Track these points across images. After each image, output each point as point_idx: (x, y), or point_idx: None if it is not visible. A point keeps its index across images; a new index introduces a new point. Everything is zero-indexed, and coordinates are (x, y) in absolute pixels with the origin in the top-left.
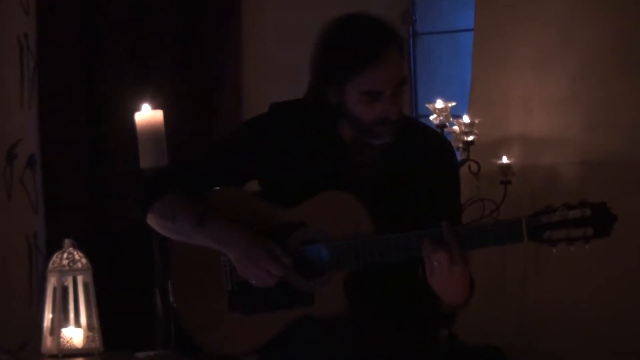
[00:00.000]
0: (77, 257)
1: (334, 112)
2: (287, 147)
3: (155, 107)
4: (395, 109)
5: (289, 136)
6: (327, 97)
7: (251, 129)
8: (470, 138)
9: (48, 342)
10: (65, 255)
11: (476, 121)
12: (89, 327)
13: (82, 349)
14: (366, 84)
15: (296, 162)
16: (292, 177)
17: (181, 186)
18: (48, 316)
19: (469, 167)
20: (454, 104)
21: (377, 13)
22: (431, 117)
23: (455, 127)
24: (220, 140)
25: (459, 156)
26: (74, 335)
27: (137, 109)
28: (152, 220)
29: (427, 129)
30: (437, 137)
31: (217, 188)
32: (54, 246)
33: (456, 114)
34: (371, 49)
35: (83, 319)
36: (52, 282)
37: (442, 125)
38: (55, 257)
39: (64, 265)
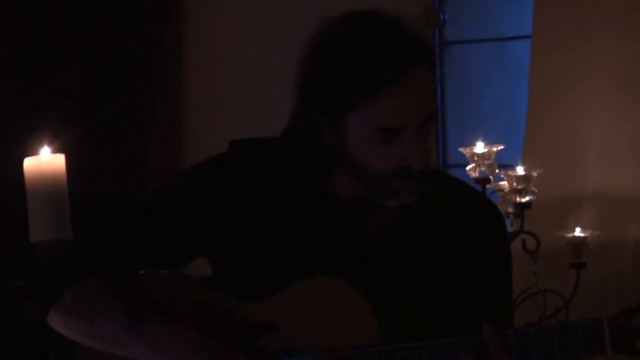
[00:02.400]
0: None
1: (328, 156)
2: (254, 208)
3: (55, 150)
4: (420, 155)
5: (257, 191)
6: (317, 135)
7: (200, 179)
8: (526, 199)
9: None
10: None
11: (534, 174)
12: None
13: None
14: (380, 117)
15: (267, 232)
16: (260, 255)
17: (100, 269)
18: None
19: (524, 242)
20: (501, 147)
21: (394, 9)
22: (467, 168)
23: (504, 183)
24: (153, 199)
25: (509, 226)
26: None
27: (28, 153)
28: (57, 321)
29: (463, 186)
30: (478, 200)
31: (148, 272)
32: None
33: (505, 164)
34: (390, 65)
35: None
36: None
37: (483, 180)
38: None
39: None
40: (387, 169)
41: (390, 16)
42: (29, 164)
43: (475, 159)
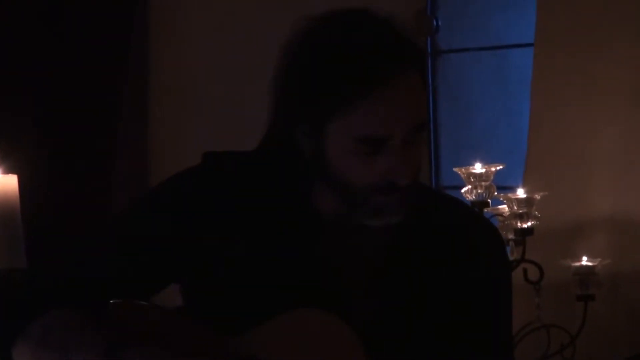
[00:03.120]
0: None
1: (307, 169)
2: (229, 227)
3: (5, 170)
4: (409, 168)
5: (233, 209)
6: (296, 145)
7: (170, 196)
8: (528, 224)
9: None
10: None
11: (537, 197)
12: None
13: None
14: (362, 125)
15: (244, 254)
16: (236, 280)
17: (63, 300)
18: None
19: (525, 272)
20: (500, 167)
21: (382, 9)
22: (463, 190)
23: (503, 207)
24: (119, 220)
25: (509, 255)
26: None
27: None
28: (25, 355)
29: (457, 204)
30: (474, 219)
31: (118, 301)
32: None
33: (504, 185)
34: (373, 69)
35: None
36: None
37: (481, 204)
38: None
39: None
40: (369, 183)
41: (376, 15)
42: None
43: (472, 179)
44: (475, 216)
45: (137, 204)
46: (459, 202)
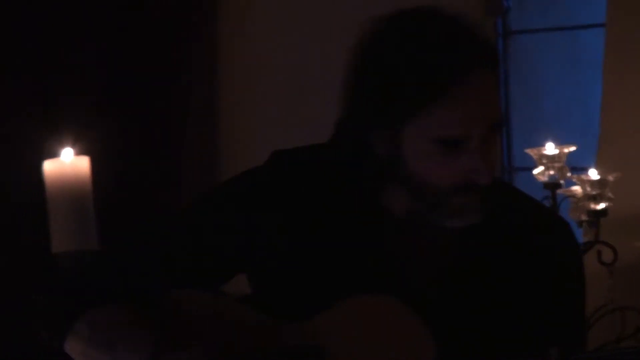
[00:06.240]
0: None
1: (381, 169)
2: (297, 223)
3: (78, 152)
4: (487, 167)
5: (301, 206)
6: (369, 145)
7: (239, 191)
8: (602, 206)
9: None
10: None
11: (610, 178)
12: None
13: None
14: (440, 126)
15: (312, 250)
16: (304, 273)
17: (125, 290)
18: None
19: (599, 254)
20: (572, 148)
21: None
22: (535, 171)
23: (576, 188)
24: (188, 212)
25: (582, 236)
26: None
27: (48, 155)
28: (74, 349)
29: (529, 201)
30: (547, 217)
31: (182, 290)
32: None
33: (577, 166)
34: (450, 69)
35: None
36: None
37: (553, 185)
38: None
39: None
40: (448, 184)
41: (449, 14)
42: (50, 167)
43: (544, 161)
44: (545, 210)
45: (205, 198)
46: (529, 197)
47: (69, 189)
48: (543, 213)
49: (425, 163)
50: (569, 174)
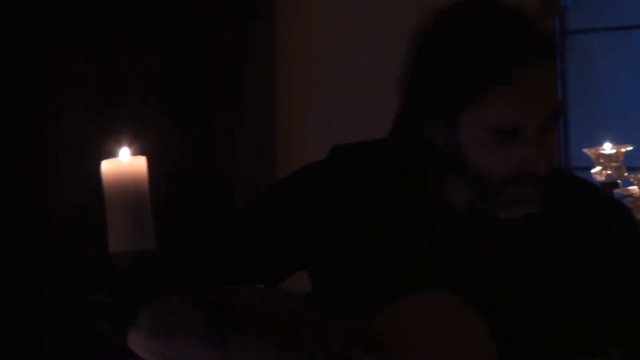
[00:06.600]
0: None
1: (440, 161)
2: (358, 217)
3: (136, 151)
4: (544, 157)
5: (361, 200)
6: (427, 137)
7: (298, 187)
8: None
9: None
10: None
11: None
12: None
13: None
14: (497, 115)
15: (373, 245)
16: (365, 269)
17: (186, 286)
18: None
19: None
20: (630, 148)
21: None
22: (593, 171)
23: (634, 188)
24: (247, 208)
25: None
26: None
27: (106, 155)
28: (138, 343)
29: (592, 189)
30: (607, 203)
31: (240, 287)
32: None
33: (635, 166)
34: (508, 58)
35: None
36: None
37: (610, 185)
38: None
39: None
40: (505, 173)
41: (506, 5)
42: (107, 167)
43: (602, 160)
44: (605, 197)
45: (265, 192)
46: (588, 183)
47: (126, 189)
48: (606, 202)
49: (481, 153)
50: (626, 174)
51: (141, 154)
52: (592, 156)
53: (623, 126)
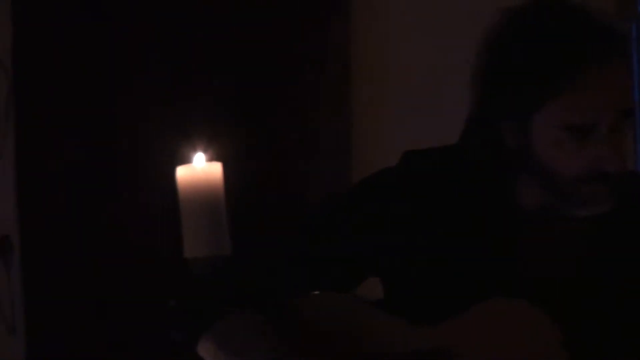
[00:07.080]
0: None
1: (512, 162)
2: (430, 224)
3: (211, 158)
4: (617, 155)
5: (434, 207)
6: (499, 138)
7: (372, 191)
8: None
9: None
10: None
11: None
12: None
13: None
14: (569, 114)
15: (445, 250)
16: (437, 274)
17: (260, 294)
18: None
19: None
20: None
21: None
22: None
23: None
24: (320, 214)
25: None
26: None
27: (181, 161)
28: (206, 350)
29: None
30: None
31: (316, 294)
32: None
33: None
34: (580, 57)
35: None
36: None
37: None
38: None
39: None
40: (578, 172)
41: (576, 4)
42: (182, 173)
43: None
44: None
45: (338, 198)
46: None
47: (202, 195)
48: None
49: (554, 151)
50: None
51: (217, 159)
52: None
53: None
